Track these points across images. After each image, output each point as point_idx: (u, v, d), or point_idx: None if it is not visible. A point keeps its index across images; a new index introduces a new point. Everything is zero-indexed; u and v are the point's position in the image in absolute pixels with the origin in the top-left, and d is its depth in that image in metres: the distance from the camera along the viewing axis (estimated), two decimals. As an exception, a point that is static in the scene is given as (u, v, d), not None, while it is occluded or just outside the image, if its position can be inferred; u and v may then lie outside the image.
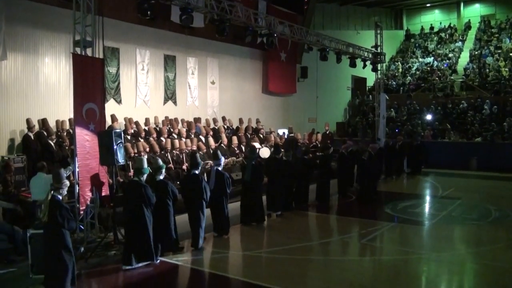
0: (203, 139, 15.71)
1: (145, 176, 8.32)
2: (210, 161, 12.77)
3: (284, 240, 9.87)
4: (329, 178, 14.45)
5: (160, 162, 8.99)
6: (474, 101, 26.44)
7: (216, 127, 17.29)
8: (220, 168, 10.10)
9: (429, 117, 26.30)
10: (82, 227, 9.13)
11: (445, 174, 20.64)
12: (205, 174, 10.59)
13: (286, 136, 19.53)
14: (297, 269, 8.10)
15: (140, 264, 7.99)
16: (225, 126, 17.86)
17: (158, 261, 8.26)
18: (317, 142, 19.60)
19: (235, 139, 16.48)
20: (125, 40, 15.78)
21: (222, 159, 10.48)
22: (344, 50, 19.85)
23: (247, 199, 11.19)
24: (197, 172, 9.36)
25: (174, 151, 13.68)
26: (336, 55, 19.41)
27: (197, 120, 17.27)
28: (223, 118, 18.47)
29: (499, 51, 31.26)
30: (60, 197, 6.88)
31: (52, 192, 6.82)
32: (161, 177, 8.77)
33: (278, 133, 20.05)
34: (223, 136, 16.29)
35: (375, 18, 31.97)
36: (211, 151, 14.10)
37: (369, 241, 10.04)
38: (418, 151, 20.88)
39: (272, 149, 14.16)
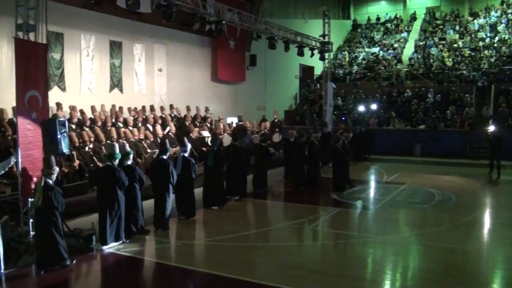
0: (150, 127, 15.58)
1: (117, 161, 8.84)
2: (157, 150, 12.94)
3: (233, 228, 10.03)
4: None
5: (128, 148, 9.69)
6: (418, 90, 27.45)
7: (164, 115, 17.17)
8: (186, 155, 10.71)
9: (374, 105, 27.08)
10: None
11: (390, 160, 21.45)
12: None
13: (235, 124, 19.68)
14: (245, 256, 8.28)
15: (115, 244, 8.57)
16: (173, 115, 17.76)
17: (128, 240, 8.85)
18: (266, 130, 19.85)
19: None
20: (69, 24, 15.34)
21: (189, 145, 11.07)
22: (292, 39, 20.11)
23: (210, 184, 11.78)
24: (165, 157, 9.99)
25: (120, 140, 13.51)
26: (284, 44, 19.63)
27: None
28: (171, 106, 18.36)
29: (443, 42, 32.55)
30: (51, 182, 7.45)
31: (44, 178, 7.36)
32: (129, 162, 9.29)
33: (227, 121, 20.13)
34: (171, 124, 16.23)
35: (323, 7, 32.41)
36: (159, 140, 14.11)
37: (316, 226, 10.37)
38: (364, 139, 21.54)
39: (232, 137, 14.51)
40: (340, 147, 14.20)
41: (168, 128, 16.01)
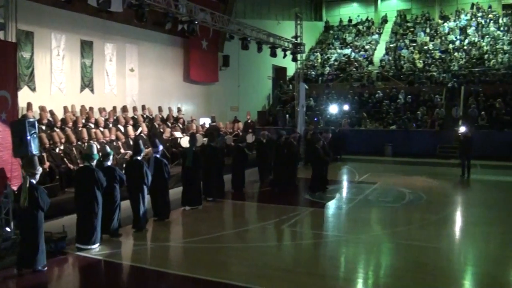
0: (122, 128, 15.43)
1: (95, 161, 8.86)
2: (130, 151, 12.92)
3: (208, 229, 10.03)
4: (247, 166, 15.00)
5: (108, 149, 9.75)
6: (390, 91, 27.98)
7: (136, 116, 17.02)
8: (158, 156, 10.75)
9: (346, 106, 27.39)
10: None
11: (362, 160, 21.79)
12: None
13: (208, 125, 19.65)
14: (220, 257, 8.29)
15: (94, 246, 8.51)
16: (145, 115, 17.62)
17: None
18: (238, 130, 19.89)
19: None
20: (39, 23, 15.05)
21: (160, 147, 11.15)
22: (265, 40, 20.18)
23: (187, 185, 11.89)
24: (139, 158, 10.04)
25: (91, 141, 13.32)
26: (257, 45, 19.69)
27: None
28: (143, 107, 18.21)
29: (414, 44, 33.23)
30: (35, 182, 7.51)
31: (28, 178, 7.41)
32: (109, 163, 9.37)
33: (199, 122, 20.09)
34: (143, 125, 16.11)
35: (296, 9, 32.55)
36: (130, 141, 14.01)
37: (289, 227, 10.44)
38: (336, 139, 21.75)
39: (206, 137, 14.72)
40: (320, 147, 14.28)
41: (140, 129, 15.89)
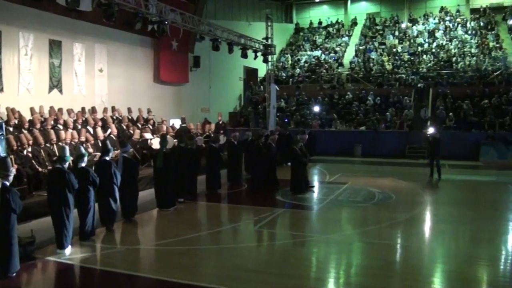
0: (91, 130, 15.24)
1: (67, 163, 8.80)
2: (99, 153, 12.70)
3: (179, 230, 10.01)
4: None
5: (83, 150, 9.75)
6: (359, 92, 28.38)
7: (105, 117, 16.83)
8: (127, 155, 10.78)
9: (316, 108, 27.65)
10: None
11: (332, 161, 22.04)
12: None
13: (178, 127, 19.58)
14: (191, 259, 8.26)
15: (65, 251, 8.35)
16: (114, 117, 17.44)
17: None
18: (210, 132, 19.87)
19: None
20: (7, 21, 14.81)
21: (129, 146, 11.16)
22: (236, 41, 20.26)
23: (159, 186, 11.91)
24: (107, 158, 10.02)
25: (61, 143, 13.11)
26: (228, 46, 19.74)
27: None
28: (113, 108, 18.01)
29: (383, 46, 33.80)
30: (8, 184, 7.37)
31: (1, 180, 7.32)
32: (83, 164, 9.29)
33: (169, 124, 20.01)
34: (112, 126, 15.94)
35: (266, 10, 32.77)
36: (100, 143, 13.85)
37: (261, 228, 10.50)
38: (308, 140, 21.91)
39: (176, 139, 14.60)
40: (298, 148, 14.29)
41: (109, 130, 15.71)
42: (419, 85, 27.69)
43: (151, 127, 18.03)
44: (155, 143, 14.75)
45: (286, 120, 26.41)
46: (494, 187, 16.13)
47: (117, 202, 10.01)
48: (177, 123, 20.61)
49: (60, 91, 16.88)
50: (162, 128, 17.24)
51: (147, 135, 16.57)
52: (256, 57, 22.16)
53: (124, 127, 16.89)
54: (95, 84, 18.72)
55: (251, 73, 32.60)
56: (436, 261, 8.30)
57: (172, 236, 9.57)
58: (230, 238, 10.02)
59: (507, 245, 9.36)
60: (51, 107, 15.52)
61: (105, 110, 17.46)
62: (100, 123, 15.91)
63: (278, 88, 25.91)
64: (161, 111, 21.43)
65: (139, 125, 17.80)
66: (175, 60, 23.08)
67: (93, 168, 10.41)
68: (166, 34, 16.25)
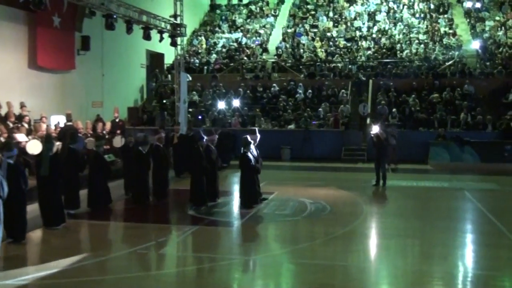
0: None
1: None
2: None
3: (64, 259, 9.47)
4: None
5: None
6: (287, 84, 28.70)
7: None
8: (12, 161, 10.35)
9: (236, 102, 27.56)
10: None
11: (255, 166, 22.00)
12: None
13: (62, 125, 18.91)
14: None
15: None
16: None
17: None
18: (104, 132, 19.29)
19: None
20: None
21: (15, 150, 10.77)
22: (136, 19, 19.87)
23: (44, 198, 11.52)
24: None
25: None
26: (126, 24, 19.30)
27: None
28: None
29: (315, 30, 34.48)
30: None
31: None
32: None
33: (50, 122, 19.29)
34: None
35: (174, -19, 32.49)
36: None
37: (170, 250, 10.33)
38: (224, 141, 21.78)
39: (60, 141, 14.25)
40: (203, 151, 14.17)
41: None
42: (357, 77, 28.39)
43: (26, 126, 17.19)
44: (31, 147, 13.97)
45: (200, 117, 26.19)
46: (446, 194, 16.74)
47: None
48: (61, 120, 19.82)
49: None
50: (41, 128, 16.48)
51: (20, 137, 15.75)
52: (162, 39, 21.84)
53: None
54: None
55: (155, 58, 32.11)
56: (381, 283, 8.41)
57: (56, 266, 9.00)
58: (130, 265, 9.62)
59: (464, 260, 9.67)
60: None
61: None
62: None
63: (190, 78, 25.66)
64: (40, 105, 20.54)
65: (10, 124, 16.96)
66: (57, 41, 22.15)
67: None
68: (45, 6, 15.56)
